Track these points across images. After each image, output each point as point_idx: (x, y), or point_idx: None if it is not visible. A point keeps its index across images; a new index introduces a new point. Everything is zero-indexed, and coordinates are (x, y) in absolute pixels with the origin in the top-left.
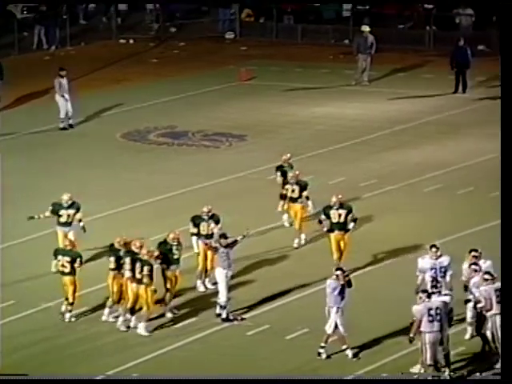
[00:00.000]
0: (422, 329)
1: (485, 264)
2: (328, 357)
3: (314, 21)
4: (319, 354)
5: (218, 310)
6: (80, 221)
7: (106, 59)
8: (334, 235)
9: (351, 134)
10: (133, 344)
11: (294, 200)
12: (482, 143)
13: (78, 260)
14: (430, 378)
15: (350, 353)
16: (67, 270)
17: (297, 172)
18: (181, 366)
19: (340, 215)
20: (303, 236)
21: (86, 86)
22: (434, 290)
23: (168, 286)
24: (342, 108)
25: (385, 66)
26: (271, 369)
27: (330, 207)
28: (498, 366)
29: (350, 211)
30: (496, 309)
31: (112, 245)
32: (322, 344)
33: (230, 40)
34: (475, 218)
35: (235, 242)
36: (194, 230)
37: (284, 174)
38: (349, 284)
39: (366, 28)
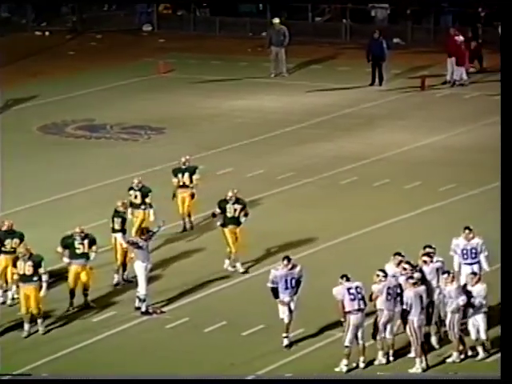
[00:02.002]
0: (346, 309)
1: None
2: (291, 344)
3: (232, 13)
4: (283, 342)
5: (137, 304)
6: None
7: (21, 52)
8: (228, 229)
9: (268, 126)
10: (50, 339)
11: (136, 206)
12: (398, 135)
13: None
14: (430, 378)
15: (285, 341)
16: None
17: (140, 178)
18: (100, 359)
19: (235, 210)
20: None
21: (1, 80)
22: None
23: (70, 280)
24: (260, 101)
25: (301, 59)
26: (190, 362)
27: (225, 201)
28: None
29: (244, 207)
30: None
31: None
32: (284, 334)
33: (147, 32)
34: (391, 210)
35: (152, 234)
36: (115, 226)
37: (176, 176)
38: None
39: (276, 20)
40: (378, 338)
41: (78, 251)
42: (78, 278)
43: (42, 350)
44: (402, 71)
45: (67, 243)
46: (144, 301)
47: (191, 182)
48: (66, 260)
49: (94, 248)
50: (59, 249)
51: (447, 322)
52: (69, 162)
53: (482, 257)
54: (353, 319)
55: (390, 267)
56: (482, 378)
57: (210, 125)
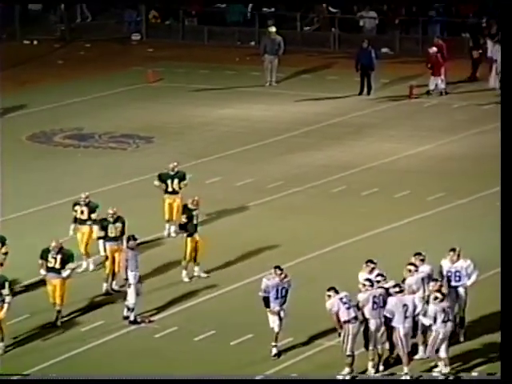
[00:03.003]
0: (343, 319)
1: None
2: (279, 354)
3: (220, 23)
4: (271, 351)
5: (125, 313)
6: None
7: (9, 60)
8: (192, 238)
9: (258, 135)
10: (41, 347)
11: (82, 222)
12: (387, 144)
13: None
14: (429, 378)
15: (274, 351)
16: None
17: (87, 193)
18: (88, 368)
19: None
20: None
21: None
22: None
23: (48, 292)
24: (249, 110)
25: (290, 68)
26: (179, 371)
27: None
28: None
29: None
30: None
31: None
32: (273, 343)
33: (136, 41)
34: (380, 219)
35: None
36: (101, 234)
37: (165, 182)
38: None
39: (272, 29)
40: (370, 347)
41: (49, 264)
42: (54, 291)
43: (26, 360)
44: (391, 80)
45: (44, 255)
46: (133, 310)
47: (180, 188)
48: (42, 272)
49: (69, 265)
50: (39, 260)
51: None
52: (57, 171)
53: (469, 281)
54: (352, 328)
55: (363, 275)
56: (482, 378)
57: (199, 134)
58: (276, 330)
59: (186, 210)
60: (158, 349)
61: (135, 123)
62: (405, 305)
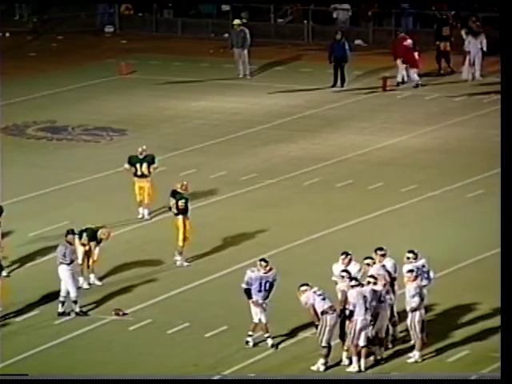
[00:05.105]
0: (320, 310)
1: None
2: (255, 345)
3: (194, 15)
4: (247, 342)
5: (60, 309)
6: None
7: None
8: (184, 218)
9: (231, 128)
10: (11, 343)
11: None
12: (361, 136)
13: None
14: (429, 378)
15: (270, 341)
16: None
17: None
18: (61, 362)
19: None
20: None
21: None
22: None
23: None
24: (222, 102)
25: (264, 60)
26: (154, 364)
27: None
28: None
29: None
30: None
31: None
32: (250, 333)
33: (109, 34)
34: (354, 211)
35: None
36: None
37: (134, 165)
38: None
39: (237, 21)
40: (353, 342)
41: None
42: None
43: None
44: (364, 72)
45: None
46: (76, 302)
47: (149, 172)
48: None
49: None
50: None
51: (408, 321)
52: (30, 163)
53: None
54: (330, 319)
55: (338, 267)
56: (482, 377)
57: (172, 126)
58: (255, 321)
59: (175, 194)
60: (132, 341)
61: (109, 116)
62: (364, 296)
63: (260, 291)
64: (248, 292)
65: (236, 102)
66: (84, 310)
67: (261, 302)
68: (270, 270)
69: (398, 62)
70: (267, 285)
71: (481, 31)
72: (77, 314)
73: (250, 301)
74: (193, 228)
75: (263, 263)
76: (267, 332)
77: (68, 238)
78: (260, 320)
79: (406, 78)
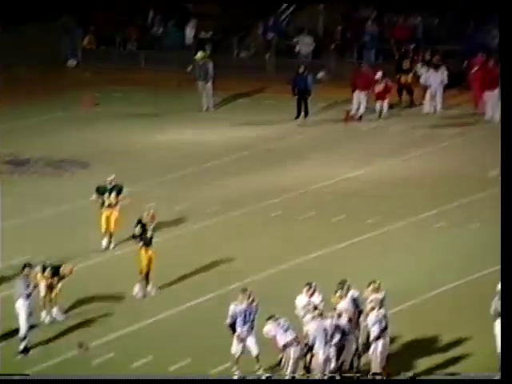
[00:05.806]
0: (281, 343)
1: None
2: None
3: (157, 48)
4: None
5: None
6: None
7: None
8: (146, 249)
9: (194, 160)
10: None
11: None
12: (325, 168)
13: None
14: (429, 378)
15: (261, 372)
16: None
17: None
18: None
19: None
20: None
21: None
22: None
23: None
24: (186, 134)
25: (227, 93)
26: None
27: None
28: None
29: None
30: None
31: None
32: (234, 369)
33: (72, 66)
34: (316, 242)
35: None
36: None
37: (103, 194)
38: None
39: (198, 55)
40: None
41: None
42: None
43: None
44: (327, 104)
45: None
46: (25, 339)
47: (117, 202)
48: None
49: None
50: None
51: (370, 352)
52: None
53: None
54: (293, 352)
55: (301, 299)
56: (482, 377)
57: (134, 159)
58: (237, 355)
59: (140, 223)
60: (95, 375)
61: (71, 149)
62: (325, 329)
63: (245, 323)
64: (233, 326)
65: (200, 134)
66: (28, 347)
67: (245, 334)
68: (253, 301)
69: (356, 93)
70: (251, 316)
71: (441, 64)
72: (21, 351)
73: (235, 335)
74: (157, 259)
75: (247, 293)
76: (236, 364)
77: (25, 271)
78: (242, 353)
79: (384, 110)
